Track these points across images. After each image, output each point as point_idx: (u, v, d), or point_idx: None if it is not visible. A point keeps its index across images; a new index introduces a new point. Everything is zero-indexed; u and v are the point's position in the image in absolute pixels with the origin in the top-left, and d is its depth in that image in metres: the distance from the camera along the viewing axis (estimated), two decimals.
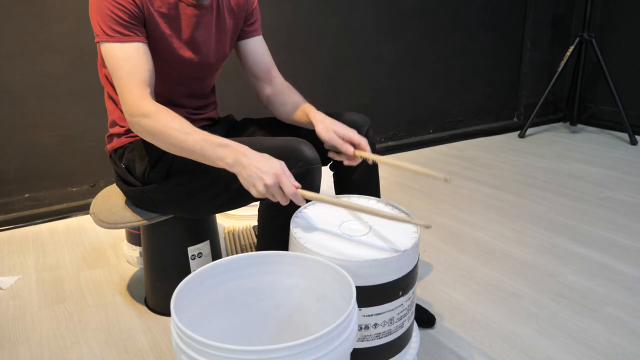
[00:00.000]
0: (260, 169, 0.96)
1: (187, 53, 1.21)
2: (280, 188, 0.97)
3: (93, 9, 1.09)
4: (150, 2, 1.12)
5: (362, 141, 1.13)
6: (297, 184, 0.98)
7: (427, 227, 0.95)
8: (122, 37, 1.08)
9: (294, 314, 0.96)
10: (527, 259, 1.70)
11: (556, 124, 3.56)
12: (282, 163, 0.99)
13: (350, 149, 1.12)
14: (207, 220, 1.42)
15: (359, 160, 1.15)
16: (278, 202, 1.11)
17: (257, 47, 1.35)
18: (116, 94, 1.26)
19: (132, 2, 1.08)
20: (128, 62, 1.08)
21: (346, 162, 1.16)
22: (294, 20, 2.54)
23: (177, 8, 1.17)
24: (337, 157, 1.16)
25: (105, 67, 1.22)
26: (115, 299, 1.52)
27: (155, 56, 1.16)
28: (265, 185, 0.96)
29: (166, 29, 1.16)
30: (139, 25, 1.11)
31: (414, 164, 1.06)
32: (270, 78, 1.36)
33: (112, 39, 1.08)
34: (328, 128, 1.14)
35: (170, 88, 1.26)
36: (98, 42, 1.11)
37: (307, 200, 1.05)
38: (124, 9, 1.08)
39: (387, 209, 1.10)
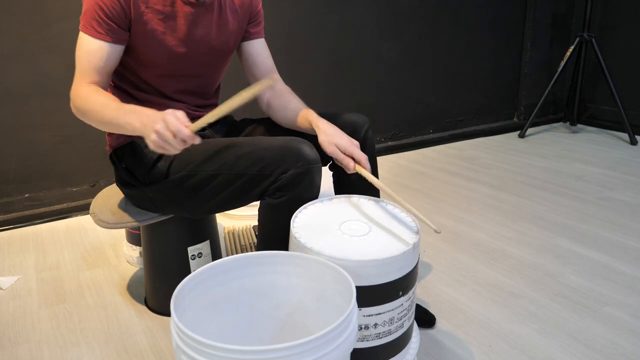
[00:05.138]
0: (151, 118, 0.98)
1: (180, 50, 1.21)
2: (170, 131, 0.95)
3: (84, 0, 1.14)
4: (142, 0, 1.14)
5: (362, 158, 1.14)
6: (186, 122, 0.96)
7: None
8: (94, 33, 1.13)
9: (294, 314, 0.96)
10: (527, 259, 1.70)
11: (556, 124, 3.56)
12: (176, 110, 0.97)
13: (350, 164, 1.13)
14: (207, 220, 1.42)
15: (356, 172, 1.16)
16: (279, 203, 1.11)
17: (259, 50, 1.36)
18: (114, 91, 1.27)
19: (117, 2, 1.11)
20: (87, 55, 1.14)
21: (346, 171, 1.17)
22: (294, 20, 2.54)
23: (173, 5, 1.18)
24: (338, 163, 1.17)
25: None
26: (115, 299, 1.52)
27: (147, 52, 1.19)
28: (156, 132, 0.95)
29: (159, 27, 1.17)
30: (118, 27, 1.14)
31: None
32: None
33: (87, 31, 1.13)
34: (330, 141, 1.14)
35: (163, 82, 1.26)
36: (79, 30, 1.16)
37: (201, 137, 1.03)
38: (106, 8, 1.11)
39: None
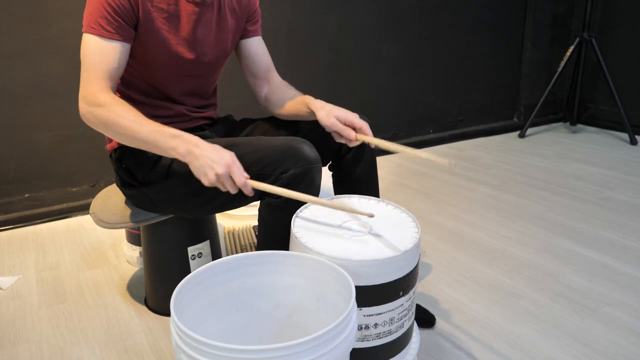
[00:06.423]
0: (212, 158, 0.99)
1: (184, 50, 1.21)
2: (231, 178, 1.00)
3: (88, 1, 1.12)
4: None
5: (364, 125, 1.12)
6: (246, 175, 1.01)
7: (370, 216, 1.00)
8: (104, 33, 1.10)
9: (294, 314, 0.96)
10: (527, 259, 1.70)
11: (556, 124, 3.56)
12: (232, 154, 1.02)
13: (352, 133, 1.12)
14: (207, 220, 1.42)
15: (360, 142, 1.15)
16: (279, 202, 1.11)
17: (257, 47, 1.36)
18: (116, 90, 1.27)
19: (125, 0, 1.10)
20: (98, 56, 1.10)
21: (349, 144, 1.15)
22: (294, 20, 2.54)
23: (177, 4, 1.17)
24: (339, 139, 1.15)
25: None
26: (115, 299, 1.52)
27: (152, 52, 1.18)
28: (217, 175, 0.99)
29: (164, 25, 1.17)
30: (126, 24, 1.12)
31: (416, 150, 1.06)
32: (269, 77, 1.37)
33: (93, 31, 1.10)
34: (329, 114, 1.13)
35: (168, 84, 1.26)
36: (83, 33, 1.13)
37: (259, 193, 1.09)
38: (114, 5, 1.09)
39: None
